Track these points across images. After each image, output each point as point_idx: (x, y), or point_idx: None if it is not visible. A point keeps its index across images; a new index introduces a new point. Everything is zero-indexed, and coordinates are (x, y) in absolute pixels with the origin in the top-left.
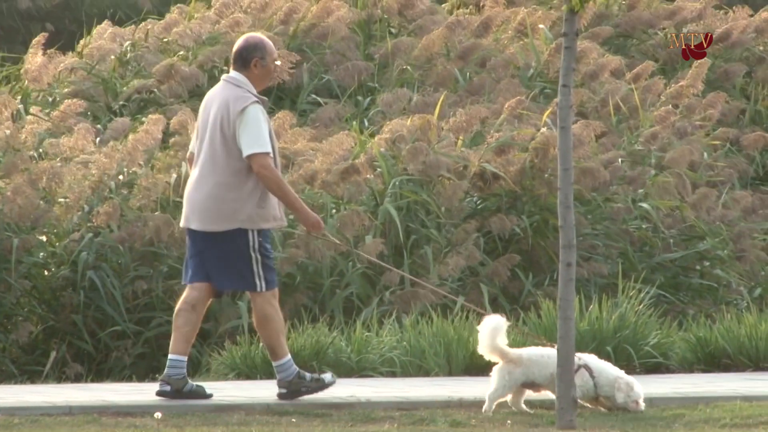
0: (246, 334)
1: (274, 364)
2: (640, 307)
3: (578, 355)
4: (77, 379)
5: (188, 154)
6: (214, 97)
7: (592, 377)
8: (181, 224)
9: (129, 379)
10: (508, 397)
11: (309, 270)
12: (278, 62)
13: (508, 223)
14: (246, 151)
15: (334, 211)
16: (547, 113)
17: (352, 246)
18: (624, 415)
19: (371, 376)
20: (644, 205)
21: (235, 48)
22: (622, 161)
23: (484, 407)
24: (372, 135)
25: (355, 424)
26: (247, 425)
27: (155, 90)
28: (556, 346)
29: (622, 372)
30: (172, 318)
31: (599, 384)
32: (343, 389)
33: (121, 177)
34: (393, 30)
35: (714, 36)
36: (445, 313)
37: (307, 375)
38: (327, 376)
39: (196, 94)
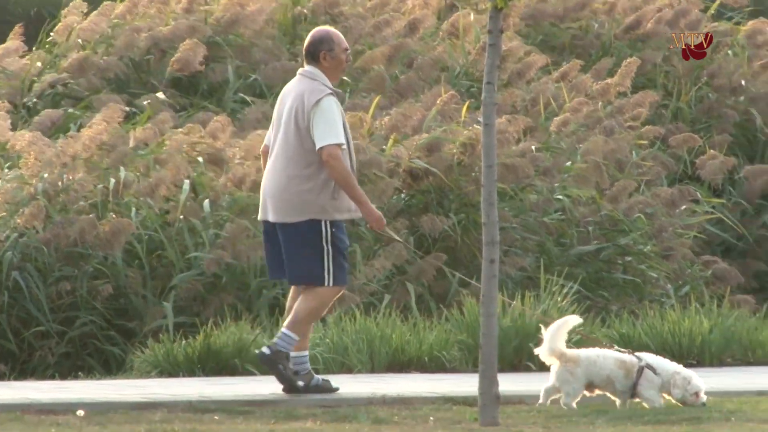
0: (171, 332)
1: (283, 329)
2: (563, 303)
3: (638, 355)
4: (0, 377)
5: (262, 146)
6: (290, 90)
7: (657, 375)
8: (259, 217)
9: (52, 377)
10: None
11: (236, 271)
12: (347, 50)
13: (439, 223)
14: (319, 143)
15: None
16: (465, 109)
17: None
18: (548, 411)
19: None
20: (560, 196)
21: (305, 44)
22: (535, 149)
23: (564, 402)
24: None
25: (277, 421)
26: (170, 422)
27: (71, 83)
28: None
29: (680, 366)
30: (95, 318)
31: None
32: (266, 386)
33: (60, 184)
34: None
35: (625, 25)
36: (368, 311)
37: (291, 365)
38: (301, 384)
39: (123, 87)
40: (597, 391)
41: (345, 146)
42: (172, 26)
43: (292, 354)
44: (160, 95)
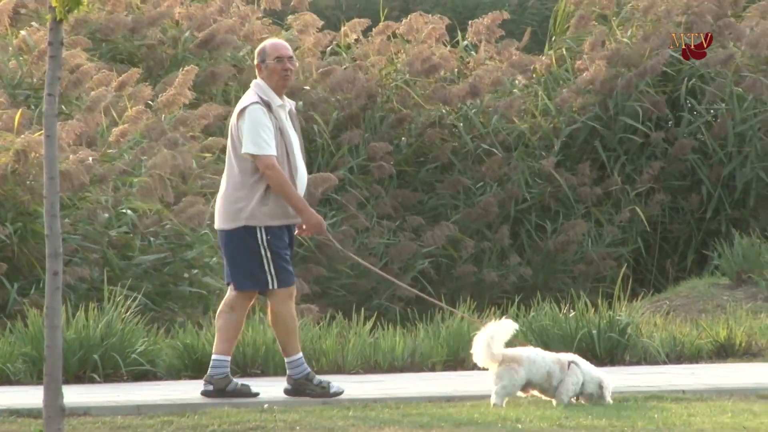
0: None
1: (285, 360)
2: (127, 314)
3: (568, 355)
4: None
5: None
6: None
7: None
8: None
9: None
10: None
11: None
12: (282, 58)
13: None
14: (243, 150)
15: None
16: (18, 116)
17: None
18: (113, 422)
19: None
20: (126, 210)
21: None
22: (95, 161)
23: (494, 401)
24: None
25: None
26: None
27: None
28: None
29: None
30: None
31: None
32: None
33: None
34: None
35: (200, 39)
36: None
37: (316, 378)
38: (334, 386)
39: None
40: (532, 391)
41: (276, 155)
42: None
43: (213, 356)
44: None
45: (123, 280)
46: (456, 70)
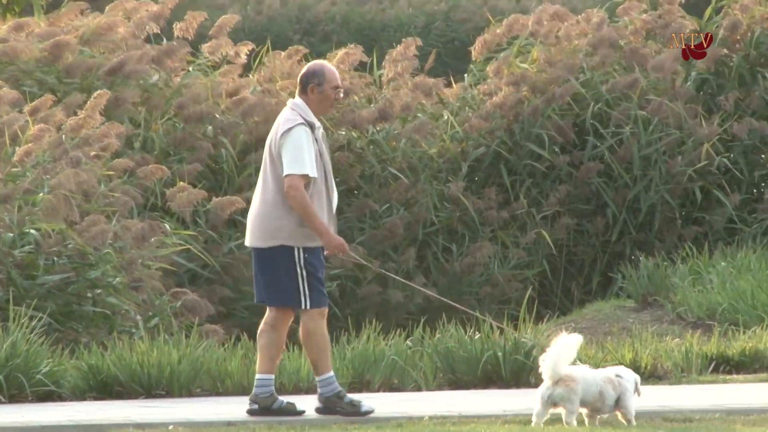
0: None
1: (316, 378)
2: (32, 335)
3: (611, 370)
4: None
5: None
6: (276, 119)
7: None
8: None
9: None
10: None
11: None
12: (339, 88)
13: None
14: (285, 171)
15: None
16: None
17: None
18: None
19: None
20: (30, 230)
21: (299, 74)
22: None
23: (569, 425)
24: None
25: None
26: None
27: None
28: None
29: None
30: None
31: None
32: None
33: None
34: None
35: (109, 66)
36: None
37: (347, 397)
38: (365, 405)
39: None
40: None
41: (312, 176)
42: None
43: (257, 376)
44: None
45: (27, 299)
46: (363, 96)
